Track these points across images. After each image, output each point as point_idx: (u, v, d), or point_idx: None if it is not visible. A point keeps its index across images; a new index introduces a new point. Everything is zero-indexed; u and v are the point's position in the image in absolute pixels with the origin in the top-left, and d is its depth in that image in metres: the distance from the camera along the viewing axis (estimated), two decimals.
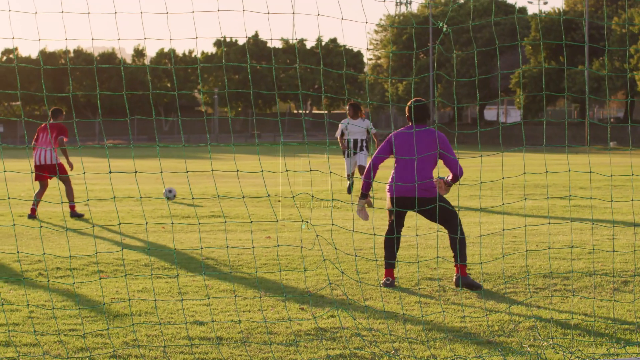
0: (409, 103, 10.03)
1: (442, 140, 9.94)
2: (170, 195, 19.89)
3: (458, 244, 9.89)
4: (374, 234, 9.02)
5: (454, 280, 9.90)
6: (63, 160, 18.11)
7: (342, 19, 7.10)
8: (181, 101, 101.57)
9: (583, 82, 69.45)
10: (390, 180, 10.07)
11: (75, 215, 17.38)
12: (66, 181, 17.50)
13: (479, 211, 15.98)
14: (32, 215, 17.26)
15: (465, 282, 9.77)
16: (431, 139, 9.95)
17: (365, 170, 10.12)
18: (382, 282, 10.12)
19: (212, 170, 7.47)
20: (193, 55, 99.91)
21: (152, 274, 10.76)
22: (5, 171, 7.71)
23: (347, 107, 20.22)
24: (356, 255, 11.55)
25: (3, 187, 25.13)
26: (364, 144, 20.16)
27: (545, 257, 11.64)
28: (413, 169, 9.86)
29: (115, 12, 6.98)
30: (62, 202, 7.49)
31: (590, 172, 7.74)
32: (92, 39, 7.23)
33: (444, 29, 7.43)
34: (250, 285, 10.17)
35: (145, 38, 7.21)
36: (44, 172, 17.29)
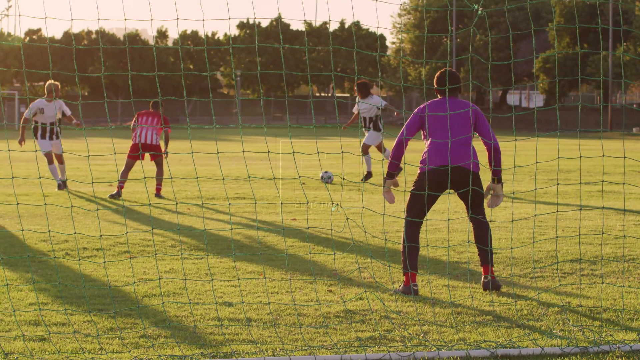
0: (438, 73, 9.03)
1: (476, 111, 8.92)
2: (328, 180, 20.06)
3: (490, 241, 8.91)
4: (405, 217, 8.97)
5: (483, 283, 8.94)
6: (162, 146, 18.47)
7: (377, 0, 7.08)
8: (204, 83, 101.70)
9: (607, 67, 69.10)
10: (423, 156, 8.93)
11: (159, 196, 17.70)
12: (160, 164, 17.88)
13: (512, 196, 15.90)
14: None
15: (495, 285, 8.89)
16: (465, 109, 8.92)
17: (393, 148, 8.94)
18: (401, 288, 8.87)
19: (244, 151, 7.47)
20: (216, 37, 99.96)
21: (181, 255, 10.78)
22: (35, 151, 7.74)
23: (355, 87, 20.27)
24: (385, 239, 11.54)
25: (32, 167, 25.24)
26: (371, 123, 20.29)
27: (571, 242, 11.59)
28: (454, 141, 8.78)
29: None
30: (92, 182, 7.51)
31: (625, 157, 7.69)
32: (125, 19, 7.24)
33: (479, 11, 7.38)
34: (278, 267, 10.17)
35: (177, 19, 7.21)
36: (144, 151, 17.72)
